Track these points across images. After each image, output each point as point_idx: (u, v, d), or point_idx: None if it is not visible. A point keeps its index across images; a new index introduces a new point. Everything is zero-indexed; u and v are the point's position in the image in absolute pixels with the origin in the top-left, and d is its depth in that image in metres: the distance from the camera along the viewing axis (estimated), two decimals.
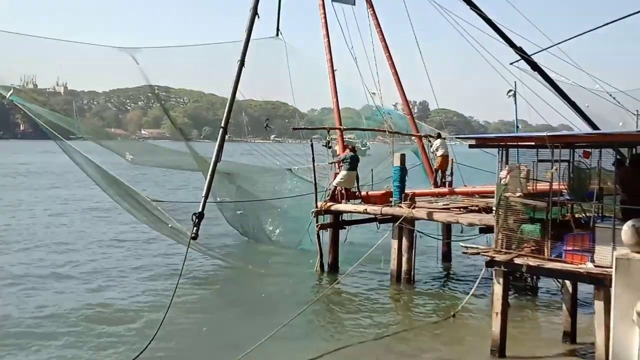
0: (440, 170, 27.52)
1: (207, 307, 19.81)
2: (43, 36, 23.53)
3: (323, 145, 24.99)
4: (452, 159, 27.78)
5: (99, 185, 23.85)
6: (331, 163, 25.44)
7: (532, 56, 23.94)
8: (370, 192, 25.20)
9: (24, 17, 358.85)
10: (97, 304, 19.52)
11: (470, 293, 18.61)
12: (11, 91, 21.20)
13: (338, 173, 24.59)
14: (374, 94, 28.91)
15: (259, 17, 22.27)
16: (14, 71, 22.86)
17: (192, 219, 18.16)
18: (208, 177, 19.19)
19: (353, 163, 24.21)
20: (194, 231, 17.95)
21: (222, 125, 20.07)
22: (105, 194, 24.66)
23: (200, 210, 18.29)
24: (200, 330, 17.34)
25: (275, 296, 21.30)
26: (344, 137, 27.46)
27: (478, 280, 18.14)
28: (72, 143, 22.20)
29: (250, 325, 17.51)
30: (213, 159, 19.40)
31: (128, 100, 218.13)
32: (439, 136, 28.28)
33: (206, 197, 18.71)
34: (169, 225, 22.40)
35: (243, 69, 21.19)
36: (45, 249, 27.89)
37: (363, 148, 61.03)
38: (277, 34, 28.42)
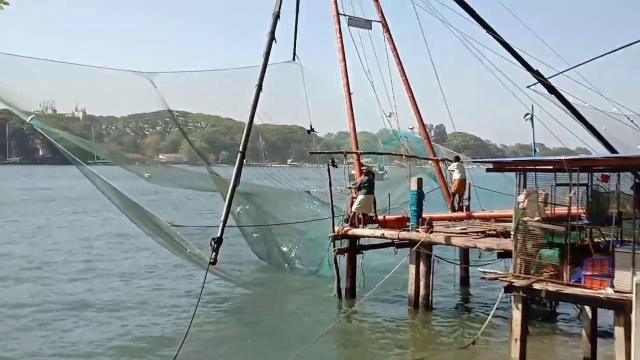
0: (457, 194, 27.40)
1: (224, 332, 19.71)
2: (60, 60, 23.62)
3: (329, 164, 24.90)
4: (469, 183, 27.67)
5: (119, 208, 23.92)
6: (348, 188, 25.38)
7: (548, 79, 23.91)
8: (387, 217, 25.11)
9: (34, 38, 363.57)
10: (117, 329, 19.63)
11: (488, 319, 18.40)
12: (32, 115, 21.39)
13: (355, 197, 24.56)
14: (390, 115, 28.92)
15: (276, 41, 22.43)
16: (33, 97, 22.94)
17: (211, 244, 18.14)
18: (226, 202, 19.20)
19: (369, 187, 24.19)
20: (212, 256, 17.92)
21: (240, 150, 20.11)
22: (126, 217, 24.72)
23: (219, 235, 18.29)
24: (217, 356, 17.28)
25: (293, 322, 21.26)
26: (361, 161, 27.41)
27: (496, 306, 17.98)
28: (92, 168, 22.30)
29: (267, 352, 17.46)
30: (231, 184, 19.42)
31: (146, 125, 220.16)
32: (457, 159, 28.19)
33: (224, 222, 18.72)
34: (188, 250, 22.42)
35: (261, 93, 21.28)
36: (65, 276, 27.80)
37: (380, 172, 61.02)
38: (294, 58, 28.60)
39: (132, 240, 36.74)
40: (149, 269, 29.59)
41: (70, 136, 23.88)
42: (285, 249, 29.41)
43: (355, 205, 24.17)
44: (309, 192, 29.28)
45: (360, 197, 24.13)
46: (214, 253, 17.92)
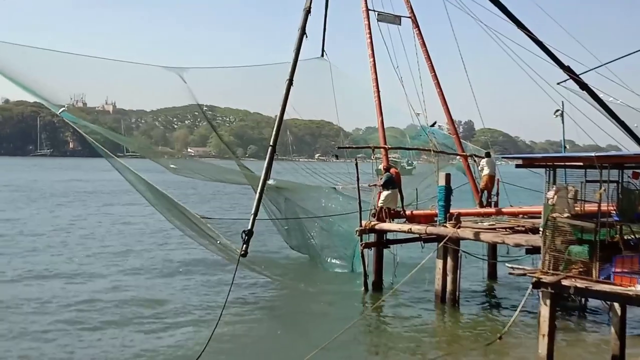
0: (485, 190, 27.31)
1: (252, 324, 19.90)
2: (91, 55, 23.91)
3: (333, 157, 25.05)
4: (498, 179, 27.56)
5: (149, 201, 24.20)
6: (371, 186, 25.35)
7: (579, 76, 23.73)
8: (415, 212, 25.14)
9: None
10: (149, 316, 20.11)
11: (515, 314, 18.29)
12: (63, 108, 21.64)
13: (382, 192, 24.64)
14: (418, 114, 28.93)
15: (307, 36, 22.51)
16: (64, 90, 23.24)
17: (242, 237, 18.25)
18: (257, 194, 19.30)
19: (392, 183, 24.26)
20: (243, 248, 18.03)
21: (271, 143, 20.22)
22: (156, 210, 24.98)
23: (249, 227, 18.40)
24: (244, 347, 17.47)
25: (319, 315, 21.44)
26: (389, 156, 27.42)
27: (523, 301, 17.93)
28: (122, 161, 22.52)
29: (294, 344, 17.60)
30: (262, 177, 19.54)
31: (175, 119, 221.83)
32: (487, 155, 28.09)
33: (255, 214, 18.82)
34: (218, 242, 22.59)
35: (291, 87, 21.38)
36: (98, 271, 27.92)
37: (409, 167, 60.92)
38: (322, 55, 28.66)
39: (164, 232, 37.03)
40: (182, 263, 29.72)
41: (100, 129, 24.11)
42: (315, 242, 29.55)
43: (380, 201, 24.25)
44: (334, 188, 29.26)
45: (386, 192, 24.21)
46: (244, 245, 18.04)
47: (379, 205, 24.30)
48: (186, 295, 23.39)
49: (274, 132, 20.65)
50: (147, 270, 27.91)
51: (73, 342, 17.60)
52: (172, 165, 25.43)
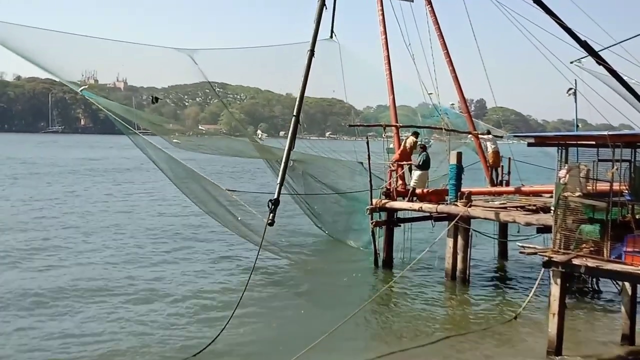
0: (495, 168, 27.23)
1: (269, 303, 19.87)
2: (103, 37, 24.00)
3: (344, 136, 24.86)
4: (509, 158, 27.47)
5: (170, 178, 24.30)
6: (396, 164, 25.15)
7: (597, 52, 23.48)
8: (425, 190, 25.08)
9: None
10: (170, 295, 20.25)
11: (531, 295, 18.30)
12: (85, 86, 21.74)
13: (393, 170, 24.58)
14: (431, 94, 28.76)
15: (326, 7, 22.21)
16: (76, 67, 23.34)
17: (268, 205, 18.20)
18: (282, 163, 19.13)
19: (427, 163, 24.23)
20: (270, 217, 17.99)
21: (295, 114, 20.15)
22: (176, 186, 25.08)
23: (275, 197, 18.36)
24: (259, 327, 17.59)
25: (332, 294, 21.58)
26: (400, 134, 27.30)
27: (538, 281, 17.90)
28: (140, 137, 22.48)
29: (307, 322, 17.76)
30: (287, 147, 19.41)
31: (186, 97, 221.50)
32: (488, 133, 28.12)
33: (281, 184, 18.65)
34: (239, 219, 22.56)
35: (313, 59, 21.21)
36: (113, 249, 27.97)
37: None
38: (332, 36, 28.42)
39: (182, 208, 37.28)
40: (199, 238, 30.04)
41: (118, 106, 24.14)
42: (329, 219, 29.71)
43: (413, 182, 24.10)
44: (361, 163, 29.06)
45: (418, 172, 24.06)
46: (271, 214, 18.00)
47: (412, 185, 24.20)
48: (204, 273, 23.45)
49: (297, 103, 20.49)
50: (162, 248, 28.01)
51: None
52: (175, 140, 25.38)
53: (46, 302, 19.18)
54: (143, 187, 54.70)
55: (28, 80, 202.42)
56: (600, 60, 19.83)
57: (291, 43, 25.41)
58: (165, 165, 23.23)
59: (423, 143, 26.06)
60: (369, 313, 18.72)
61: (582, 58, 24.08)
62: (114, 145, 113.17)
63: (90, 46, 23.44)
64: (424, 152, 24.72)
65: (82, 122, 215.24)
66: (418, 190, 24.43)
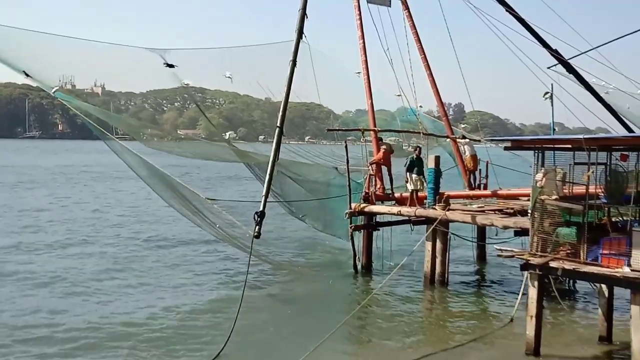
0: (472, 172, 27.33)
1: (255, 310, 19.48)
2: (76, 37, 23.55)
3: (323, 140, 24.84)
4: (487, 161, 27.60)
5: (148, 184, 24.01)
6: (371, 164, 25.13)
7: (570, 60, 23.74)
8: (404, 194, 25.12)
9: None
10: (165, 308, 19.85)
11: (519, 299, 18.02)
12: (56, 87, 21.39)
13: (372, 174, 24.56)
14: (398, 95, 28.74)
15: (307, 17, 22.24)
16: (53, 72, 23.00)
17: (254, 218, 18.14)
18: (267, 176, 19.16)
19: (420, 167, 23.99)
20: (256, 230, 17.93)
21: (278, 125, 20.13)
22: (155, 192, 24.73)
23: (261, 209, 18.30)
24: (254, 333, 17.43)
25: (315, 300, 21.41)
26: (385, 139, 27.31)
27: (524, 282, 17.82)
28: (119, 142, 22.07)
29: (280, 343, 17.19)
30: (271, 158, 19.38)
31: (164, 101, 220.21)
32: (463, 137, 28.28)
33: (266, 196, 18.68)
34: (217, 226, 22.31)
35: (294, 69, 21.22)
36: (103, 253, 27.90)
37: (412, 149, 60.54)
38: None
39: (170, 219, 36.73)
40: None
41: (94, 109, 23.86)
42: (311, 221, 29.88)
43: (412, 185, 23.97)
44: (336, 168, 29.07)
45: (414, 176, 23.83)
46: (257, 227, 17.94)
47: (412, 189, 23.88)
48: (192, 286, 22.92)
49: (280, 113, 20.49)
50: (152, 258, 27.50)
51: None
52: (144, 137, 25.13)
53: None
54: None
55: (4, 85, 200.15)
56: (570, 69, 20.09)
57: (267, 43, 25.32)
58: (144, 172, 22.85)
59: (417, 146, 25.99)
60: (350, 325, 17.96)
61: (557, 64, 24.32)
62: (91, 151, 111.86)
63: (65, 47, 23.03)
64: (410, 156, 24.48)
65: (60, 128, 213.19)
66: (397, 194, 24.48)
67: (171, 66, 22.55)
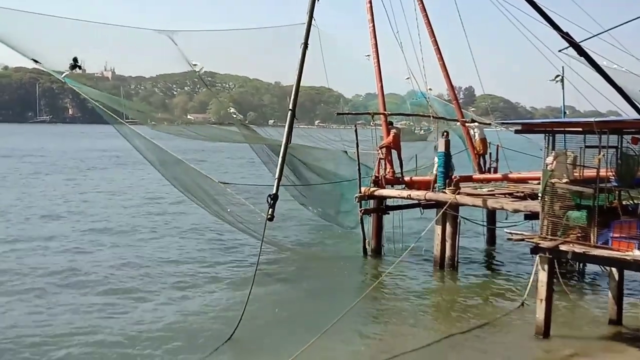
0: (482, 155, 27.26)
1: (265, 299, 19.26)
2: (83, 19, 23.27)
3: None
4: (497, 145, 27.52)
5: (157, 169, 23.81)
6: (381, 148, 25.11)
7: (582, 42, 23.51)
8: (414, 178, 25.12)
9: None
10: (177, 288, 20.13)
11: (530, 282, 18.01)
12: (66, 72, 21.31)
13: (382, 158, 24.55)
14: (408, 79, 28.65)
15: (319, 0, 22.10)
16: (63, 57, 22.86)
17: (267, 201, 18.15)
18: (280, 159, 19.14)
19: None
20: (269, 212, 17.94)
21: (291, 108, 20.09)
22: (165, 179, 24.55)
23: (274, 192, 18.32)
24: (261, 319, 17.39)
25: (324, 284, 21.38)
26: (395, 123, 27.27)
27: (535, 267, 17.81)
28: (129, 126, 21.84)
29: (293, 324, 17.28)
30: (283, 142, 19.36)
31: (174, 85, 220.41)
32: (472, 121, 28.19)
33: (279, 178, 18.65)
34: (229, 210, 22.23)
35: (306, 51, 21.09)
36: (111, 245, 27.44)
37: (424, 132, 60.26)
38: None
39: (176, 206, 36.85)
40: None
41: (102, 95, 23.80)
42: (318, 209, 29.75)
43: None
44: (345, 151, 29.03)
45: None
46: (270, 209, 17.96)
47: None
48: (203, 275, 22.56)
49: (292, 97, 20.43)
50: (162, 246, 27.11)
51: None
52: (151, 122, 25.06)
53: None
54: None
55: (15, 69, 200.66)
56: (581, 52, 19.90)
57: (277, 26, 25.18)
58: (153, 157, 22.76)
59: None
60: (358, 306, 17.53)
61: (568, 47, 24.11)
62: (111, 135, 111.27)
63: (75, 31, 22.85)
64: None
65: (70, 112, 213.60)
66: (407, 178, 24.50)
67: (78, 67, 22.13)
